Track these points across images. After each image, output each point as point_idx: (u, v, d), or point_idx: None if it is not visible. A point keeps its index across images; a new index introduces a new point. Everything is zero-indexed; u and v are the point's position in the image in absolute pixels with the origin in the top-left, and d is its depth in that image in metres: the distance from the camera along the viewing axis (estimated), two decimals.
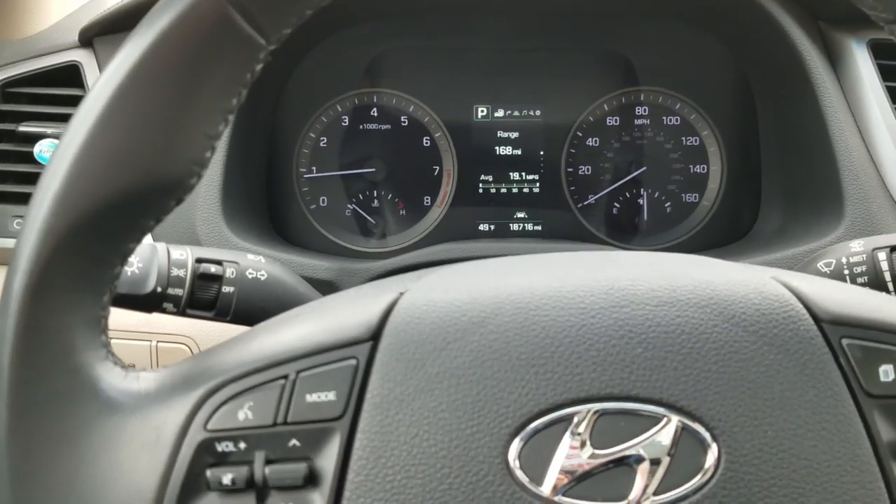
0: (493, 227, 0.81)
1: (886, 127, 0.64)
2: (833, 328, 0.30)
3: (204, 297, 0.47)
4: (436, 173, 0.80)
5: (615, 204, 0.80)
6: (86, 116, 0.29)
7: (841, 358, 0.29)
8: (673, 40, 0.78)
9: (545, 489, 0.28)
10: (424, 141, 0.80)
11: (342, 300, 0.34)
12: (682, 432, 0.28)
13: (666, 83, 0.79)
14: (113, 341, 0.32)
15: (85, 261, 0.30)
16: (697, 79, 0.79)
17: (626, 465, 0.28)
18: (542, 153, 0.80)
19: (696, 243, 0.79)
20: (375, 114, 0.80)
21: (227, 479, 0.28)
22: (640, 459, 0.28)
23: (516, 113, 0.80)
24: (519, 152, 0.80)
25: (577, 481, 0.28)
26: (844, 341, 0.30)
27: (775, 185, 0.75)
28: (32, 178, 0.68)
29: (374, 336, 0.30)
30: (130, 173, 0.30)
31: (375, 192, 0.80)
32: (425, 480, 0.28)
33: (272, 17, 0.31)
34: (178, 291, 0.46)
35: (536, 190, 0.80)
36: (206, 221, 0.64)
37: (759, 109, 0.76)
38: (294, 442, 0.29)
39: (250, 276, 0.49)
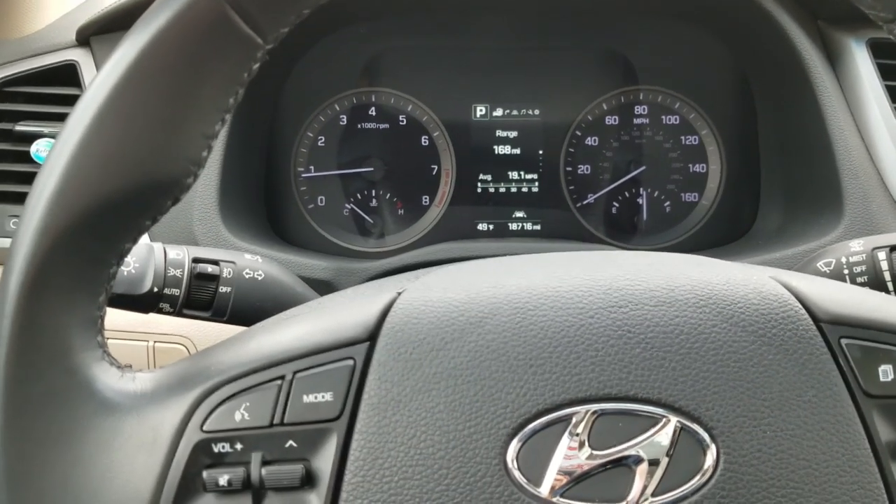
0: (491, 226, 0.81)
1: (886, 126, 0.64)
2: (832, 328, 0.30)
3: (201, 297, 0.47)
4: (434, 173, 0.80)
5: (614, 203, 0.80)
6: (82, 115, 0.29)
7: (840, 358, 0.29)
8: (672, 39, 0.78)
9: (543, 490, 0.28)
10: (423, 140, 0.80)
11: (339, 300, 0.34)
12: (681, 433, 0.28)
13: (665, 82, 0.79)
14: (110, 341, 0.32)
15: (81, 260, 0.30)
16: (697, 78, 0.79)
17: (624, 465, 0.28)
18: (540, 152, 0.80)
19: (695, 243, 0.79)
20: (374, 113, 0.79)
21: (223, 480, 0.28)
22: (638, 460, 0.28)
23: (515, 112, 0.80)
24: (518, 151, 0.80)
25: (576, 482, 0.28)
26: (843, 341, 0.30)
27: (775, 184, 0.75)
28: (29, 178, 0.67)
29: (372, 336, 0.30)
30: (127, 173, 0.29)
31: (374, 191, 0.79)
32: (423, 481, 0.28)
33: (269, 17, 0.30)
34: (175, 291, 0.46)
35: (535, 189, 0.80)
36: (204, 221, 0.64)
37: (758, 109, 0.76)
38: (291, 443, 0.29)
39: (247, 276, 0.48)
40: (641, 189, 0.80)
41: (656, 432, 0.28)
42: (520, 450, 0.28)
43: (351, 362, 0.29)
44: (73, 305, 0.30)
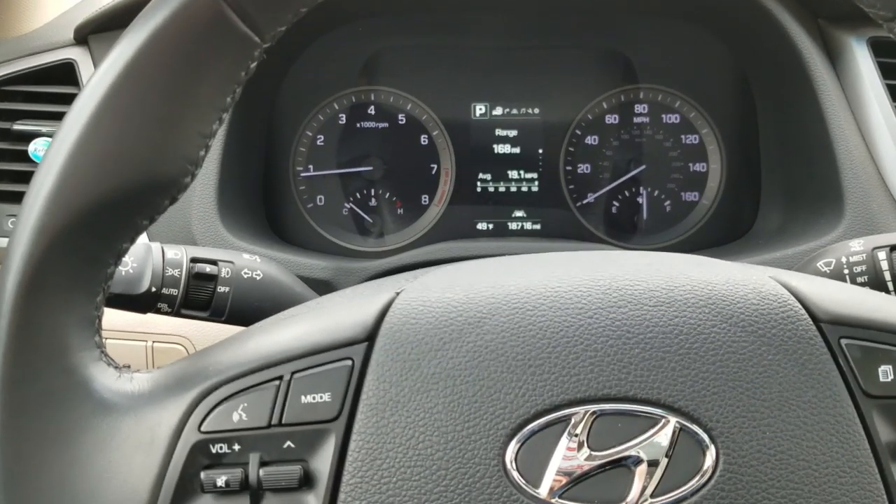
0: (491, 225, 0.81)
1: (886, 125, 0.64)
2: (832, 328, 0.30)
3: (199, 297, 0.47)
4: (433, 172, 0.80)
5: (614, 202, 0.80)
6: (79, 114, 0.29)
7: (840, 358, 0.29)
8: (672, 38, 0.78)
9: (542, 491, 0.27)
10: (422, 139, 0.80)
11: (338, 300, 0.34)
12: (680, 433, 0.28)
13: (665, 81, 0.79)
14: (109, 341, 0.32)
15: (78, 260, 0.29)
16: (697, 77, 0.78)
17: (623, 466, 0.28)
18: (540, 151, 0.80)
19: (695, 242, 0.78)
20: (373, 112, 0.79)
21: (221, 481, 0.28)
22: (637, 461, 0.27)
23: (515, 111, 0.80)
24: (517, 151, 0.80)
25: (575, 483, 0.27)
26: (843, 341, 0.29)
27: (775, 183, 0.74)
28: (27, 177, 0.67)
29: (370, 336, 0.30)
30: (123, 172, 0.29)
31: (373, 190, 0.79)
32: (421, 482, 0.28)
33: (267, 15, 0.30)
34: (173, 291, 0.46)
35: (535, 189, 0.80)
36: (202, 220, 0.64)
37: (758, 108, 0.76)
38: (289, 443, 0.29)
39: (246, 276, 0.48)
40: (641, 188, 0.80)
41: (655, 433, 0.28)
42: (518, 450, 0.28)
43: (349, 362, 0.29)
44: (71, 305, 0.30)
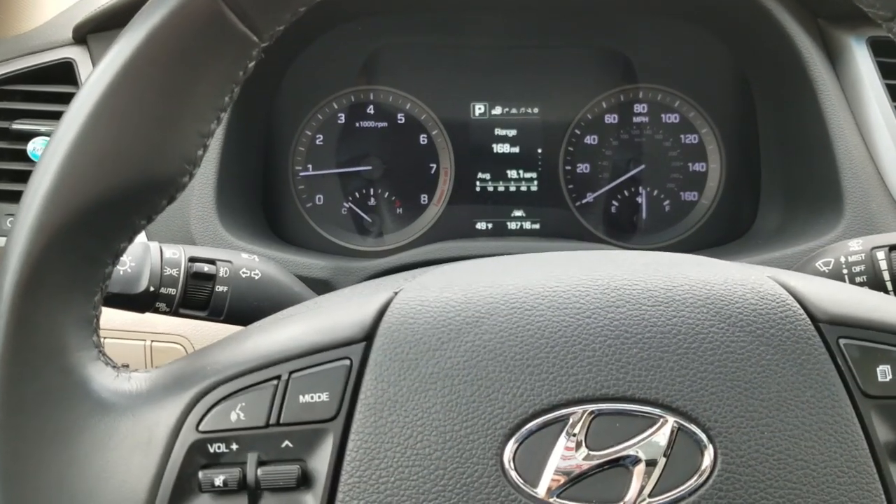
0: (490, 225, 0.81)
1: (886, 125, 0.64)
2: (830, 328, 0.30)
3: (197, 296, 0.47)
4: (433, 171, 0.80)
5: (613, 202, 0.80)
6: (77, 113, 0.29)
7: (838, 358, 0.29)
8: (672, 38, 0.78)
9: (540, 490, 0.27)
10: (421, 139, 0.80)
11: (336, 300, 0.34)
12: (678, 433, 0.28)
13: (665, 81, 0.79)
14: (107, 341, 0.32)
15: (76, 259, 0.29)
16: (696, 76, 0.78)
17: (621, 466, 0.28)
18: (540, 151, 0.80)
19: (694, 242, 0.78)
20: (372, 111, 0.79)
21: (219, 481, 0.28)
22: (635, 461, 0.27)
23: (514, 110, 0.80)
24: (517, 150, 0.80)
25: (573, 482, 0.27)
26: (842, 341, 0.29)
27: (774, 183, 0.74)
28: (26, 177, 0.67)
29: (368, 336, 0.30)
30: (121, 171, 0.29)
31: (372, 190, 0.79)
32: (419, 482, 0.28)
33: (265, 15, 0.30)
34: (171, 291, 0.46)
35: (534, 188, 0.80)
36: (201, 220, 0.64)
37: (758, 107, 0.76)
38: (287, 443, 0.29)
39: (244, 276, 0.48)
40: (641, 188, 0.80)
41: (654, 433, 0.28)
42: (516, 450, 0.28)
43: (347, 362, 0.29)
44: (69, 304, 0.30)
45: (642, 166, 0.79)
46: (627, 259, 0.34)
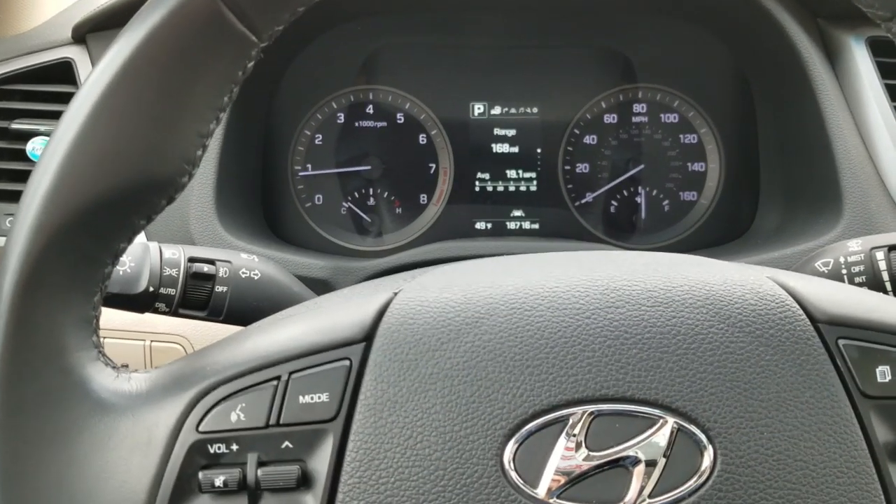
0: (489, 225, 0.81)
1: (885, 125, 0.64)
2: (829, 328, 0.30)
3: (196, 296, 0.47)
4: (432, 171, 0.80)
5: (613, 202, 0.80)
6: (76, 113, 0.29)
7: (837, 358, 0.29)
8: (671, 37, 0.78)
9: (540, 491, 0.27)
10: (420, 138, 0.80)
11: (335, 300, 0.34)
12: (678, 434, 0.28)
13: (664, 80, 0.79)
14: (106, 341, 0.32)
15: (75, 259, 0.29)
16: (696, 76, 0.78)
17: (621, 466, 0.28)
18: (539, 151, 0.80)
19: (693, 241, 0.78)
20: (371, 111, 0.79)
21: (219, 481, 0.28)
22: (635, 461, 0.28)
23: (513, 110, 0.80)
24: (516, 150, 0.79)
25: (573, 483, 0.27)
26: (841, 342, 0.29)
27: (774, 183, 0.74)
28: (25, 176, 0.67)
29: (368, 336, 0.30)
30: (121, 171, 0.29)
31: (371, 189, 0.79)
32: (419, 482, 0.28)
33: (264, 15, 0.30)
34: (171, 291, 0.46)
35: (533, 188, 0.80)
36: (200, 219, 0.64)
37: (757, 107, 0.76)
38: (287, 444, 0.29)
39: (243, 276, 0.48)
40: (640, 188, 0.80)
41: (653, 433, 0.28)
42: (516, 451, 0.28)
43: (347, 363, 0.29)
44: (68, 305, 0.30)
45: (641, 166, 0.79)
46: (627, 259, 0.34)
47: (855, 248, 0.48)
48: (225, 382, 0.30)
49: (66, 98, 0.68)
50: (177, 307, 0.47)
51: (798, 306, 0.30)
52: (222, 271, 0.48)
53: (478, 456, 0.28)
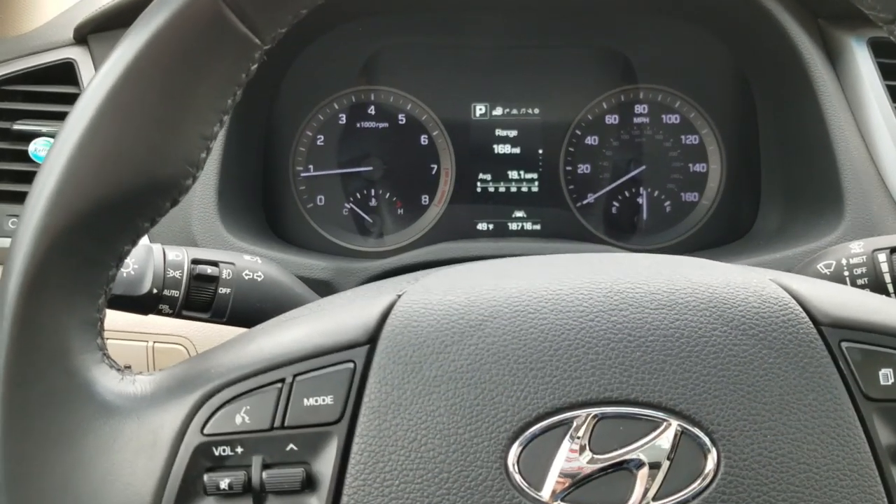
0: (491, 226, 0.81)
1: (887, 126, 0.64)
2: (832, 331, 0.30)
3: (200, 298, 0.47)
4: (434, 172, 0.80)
5: (614, 203, 0.80)
6: (80, 116, 0.29)
7: (840, 361, 0.29)
8: (672, 38, 0.78)
9: (544, 494, 0.28)
10: (422, 139, 0.80)
11: (339, 302, 0.34)
12: (682, 436, 0.28)
13: (665, 81, 0.79)
14: (109, 342, 0.32)
15: (80, 262, 0.29)
16: (697, 77, 0.78)
17: (625, 469, 0.28)
18: (540, 152, 0.80)
19: (695, 242, 0.78)
20: (373, 112, 0.79)
21: (224, 484, 0.28)
22: (639, 464, 0.28)
23: (515, 111, 0.80)
24: (517, 151, 0.80)
25: (577, 486, 0.28)
26: (844, 344, 0.30)
27: (775, 184, 0.74)
28: (27, 177, 0.67)
29: (372, 339, 0.30)
30: (125, 174, 0.29)
31: (373, 190, 0.79)
32: (423, 485, 0.28)
33: (267, 17, 0.30)
34: (174, 293, 0.46)
35: (535, 189, 0.80)
36: (202, 221, 0.64)
37: (758, 108, 0.76)
38: (291, 446, 0.29)
39: (247, 278, 0.48)
40: (641, 188, 0.80)
41: (657, 436, 0.28)
42: (521, 453, 0.28)
43: (351, 365, 0.29)
44: (73, 307, 0.30)
45: (643, 167, 0.80)
46: (629, 262, 0.34)
47: (857, 249, 0.48)
48: (229, 385, 0.30)
49: (68, 99, 0.68)
50: (180, 309, 0.47)
51: (801, 309, 0.30)
52: (225, 273, 0.48)
53: (482, 459, 0.28)
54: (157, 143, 0.30)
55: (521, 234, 0.80)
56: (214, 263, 0.48)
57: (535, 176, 0.80)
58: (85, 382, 0.29)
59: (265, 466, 0.28)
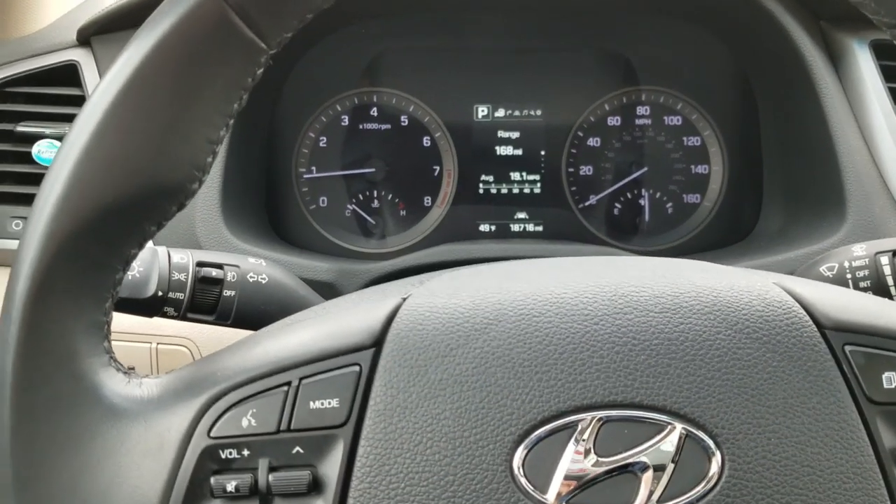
0: (493, 227, 0.81)
1: (888, 128, 0.64)
2: (836, 334, 0.30)
3: (205, 300, 0.47)
4: (436, 173, 0.80)
5: (616, 204, 0.80)
6: (87, 121, 0.29)
7: (844, 364, 0.29)
8: (674, 40, 0.78)
9: (549, 496, 0.28)
10: (425, 141, 0.80)
11: (344, 305, 0.34)
12: (686, 440, 0.28)
13: (667, 83, 0.79)
14: (113, 343, 0.32)
15: (86, 266, 0.30)
16: (699, 78, 0.78)
17: (630, 472, 0.28)
18: (542, 153, 0.80)
19: (697, 244, 0.79)
20: (375, 113, 0.79)
21: (230, 487, 0.28)
22: (644, 467, 0.28)
23: (517, 113, 0.80)
24: (520, 152, 0.80)
25: (582, 489, 0.28)
26: (847, 348, 0.30)
27: (777, 186, 0.75)
28: (31, 179, 0.67)
29: (377, 342, 0.30)
30: (132, 178, 0.29)
31: (375, 192, 0.79)
32: (429, 488, 0.28)
33: (273, 21, 0.30)
34: (179, 295, 0.46)
35: (537, 190, 0.80)
36: (206, 223, 0.64)
37: (760, 110, 0.76)
38: (298, 449, 0.29)
39: (251, 280, 0.48)
40: (643, 190, 0.80)
41: (662, 439, 0.28)
42: (526, 456, 0.28)
43: (357, 368, 0.30)
44: (80, 311, 0.30)
45: (645, 168, 0.80)
46: (634, 265, 0.34)
47: (859, 252, 0.48)
48: (236, 388, 0.30)
49: (71, 101, 0.68)
50: (185, 311, 0.47)
51: (805, 312, 0.30)
52: (230, 275, 0.48)
53: (487, 461, 0.28)
54: (163, 147, 0.30)
55: (524, 235, 0.80)
56: (219, 266, 0.48)
57: (537, 177, 0.80)
58: (92, 386, 0.30)
59: (272, 469, 0.29)
